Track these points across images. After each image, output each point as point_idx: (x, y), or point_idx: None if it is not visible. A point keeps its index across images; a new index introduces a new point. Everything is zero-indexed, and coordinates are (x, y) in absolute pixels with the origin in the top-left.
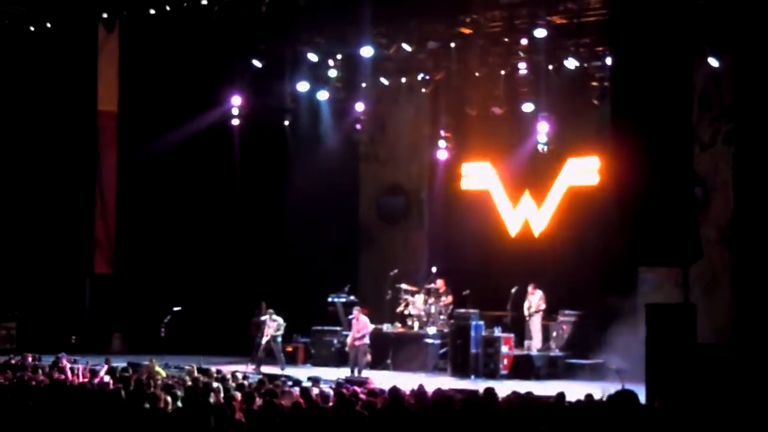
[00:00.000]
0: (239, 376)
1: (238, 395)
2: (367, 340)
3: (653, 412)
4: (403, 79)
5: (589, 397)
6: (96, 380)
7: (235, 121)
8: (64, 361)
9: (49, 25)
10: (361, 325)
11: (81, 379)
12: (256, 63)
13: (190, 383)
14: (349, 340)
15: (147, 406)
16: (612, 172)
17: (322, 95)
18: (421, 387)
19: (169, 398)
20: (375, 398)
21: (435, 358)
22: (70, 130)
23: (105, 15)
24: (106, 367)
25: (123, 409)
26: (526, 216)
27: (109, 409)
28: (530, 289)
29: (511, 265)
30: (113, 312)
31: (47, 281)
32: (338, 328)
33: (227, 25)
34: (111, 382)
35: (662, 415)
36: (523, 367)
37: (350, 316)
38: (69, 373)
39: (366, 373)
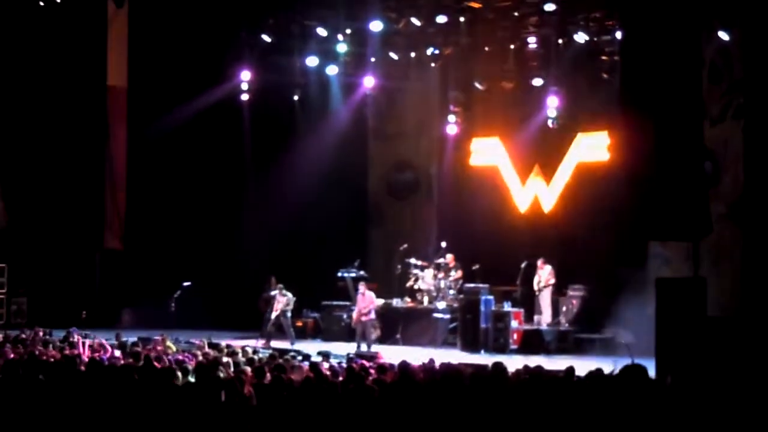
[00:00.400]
0: (249, 350)
1: (248, 370)
2: (373, 315)
3: (663, 387)
4: (413, 54)
5: (598, 371)
6: (106, 355)
7: (244, 97)
8: (76, 336)
9: (58, 0)
10: (367, 301)
11: (87, 354)
12: (265, 38)
13: (200, 358)
14: (354, 315)
15: (157, 381)
16: (622, 147)
17: (332, 70)
18: (431, 361)
19: (179, 373)
20: (385, 373)
21: (444, 333)
22: (80, 106)
23: None
24: (116, 342)
25: (133, 384)
26: (536, 191)
27: (120, 384)
28: (539, 263)
29: (521, 240)
30: (123, 287)
31: (58, 257)
32: (348, 303)
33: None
34: (121, 357)
35: (672, 389)
36: (533, 342)
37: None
38: (81, 348)
39: (375, 348)
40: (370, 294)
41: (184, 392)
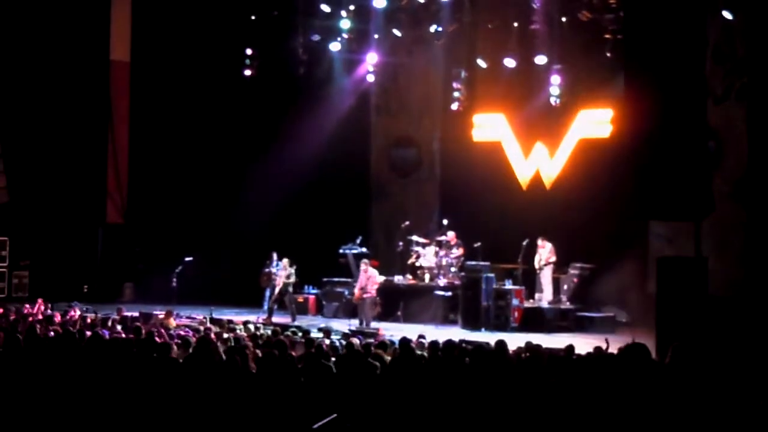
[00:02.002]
0: (251, 326)
1: (250, 345)
2: (374, 293)
3: (664, 366)
4: (416, 31)
5: (598, 349)
6: (107, 330)
7: (248, 72)
8: (73, 311)
9: None
10: (368, 278)
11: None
12: (270, 14)
13: (201, 333)
14: (356, 292)
15: (158, 355)
16: (624, 125)
17: (335, 47)
18: (420, 338)
19: (180, 348)
20: (385, 349)
21: (446, 311)
22: (83, 80)
23: None
24: (117, 317)
25: (134, 359)
26: (538, 168)
27: (121, 359)
28: (540, 242)
29: (523, 218)
30: (125, 261)
31: (60, 230)
32: (349, 280)
33: None
34: (122, 331)
35: (673, 368)
36: (534, 320)
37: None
38: (80, 322)
39: (375, 325)
40: (373, 271)
41: (185, 368)
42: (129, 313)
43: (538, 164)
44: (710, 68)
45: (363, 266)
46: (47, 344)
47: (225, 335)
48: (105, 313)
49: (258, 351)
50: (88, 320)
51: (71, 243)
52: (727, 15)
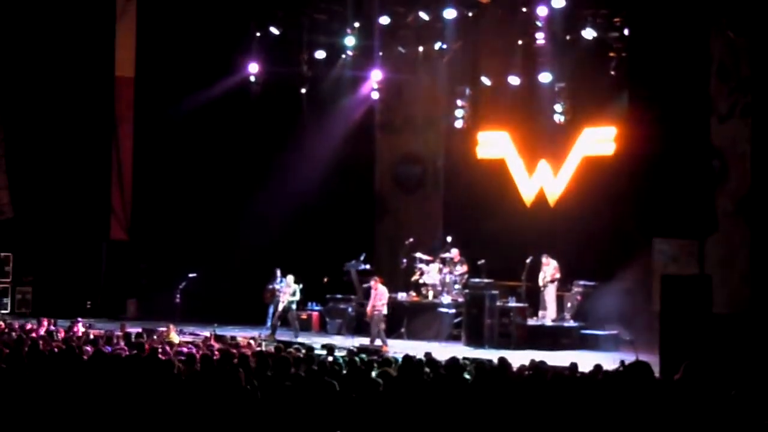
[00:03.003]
0: (254, 343)
1: (253, 362)
2: (385, 310)
3: (667, 384)
4: (421, 48)
5: (599, 367)
6: (110, 346)
7: (252, 89)
8: (78, 327)
9: None
10: (379, 295)
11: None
12: (274, 30)
13: (205, 350)
14: (368, 309)
15: (161, 372)
16: (628, 143)
17: (340, 63)
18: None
19: (184, 365)
20: (389, 366)
21: (449, 328)
22: (88, 96)
23: None
24: (120, 333)
25: (137, 375)
26: (542, 186)
27: (124, 375)
28: (544, 259)
29: (527, 235)
30: (129, 278)
31: (64, 247)
32: (353, 297)
33: None
34: (125, 348)
35: (676, 386)
36: (538, 338)
37: (365, 285)
38: (84, 338)
39: (379, 342)
40: (383, 288)
41: (188, 384)
42: (132, 330)
43: (542, 182)
44: (714, 86)
45: (373, 283)
46: (50, 360)
47: (228, 352)
48: (108, 330)
49: (260, 368)
50: (92, 336)
51: (75, 259)
52: (730, 33)
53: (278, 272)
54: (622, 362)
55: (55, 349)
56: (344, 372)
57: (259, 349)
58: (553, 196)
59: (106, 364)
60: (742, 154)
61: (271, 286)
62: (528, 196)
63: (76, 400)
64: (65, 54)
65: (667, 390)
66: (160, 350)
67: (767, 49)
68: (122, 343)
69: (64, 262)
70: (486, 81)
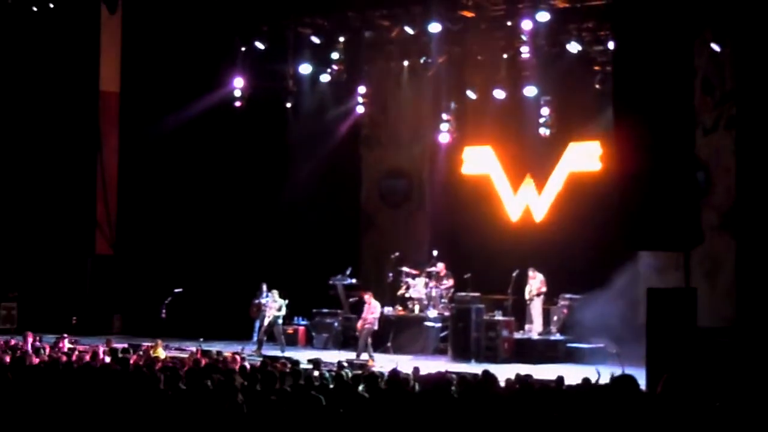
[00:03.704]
0: (239, 358)
1: (239, 377)
2: (376, 326)
3: (654, 397)
4: (405, 62)
5: (586, 380)
6: (97, 361)
7: (237, 103)
8: (64, 342)
9: (51, 5)
10: (372, 310)
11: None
12: (259, 45)
13: (190, 365)
14: (359, 323)
15: (147, 387)
16: (614, 157)
17: (324, 78)
18: (416, 370)
19: (168, 380)
20: (375, 381)
21: (435, 342)
22: (72, 111)
23: None
24: (106, 348)
25: (122, 391)
26: (527, 201)
27: (109, 391)
28: (530, 272)
29: (512, 250)
30: (114, 293)
31: (48, 262)
32: (339, 311)
33: (230, 6)
34: (111, 363)
35: (662, 400)
36: (524, 351)
37: (352, 299)
38: (71, 354)
39: (366, 356)
40: (376, 303)
41: (174, 400)
42: (118, 345)
43: (528, 197)
44: (699, 99)
45: (366, 297)
46: (35, 376)
47: (214, 367)
48: (94, 345)
49: (247, 383)
50: (77, 352)
51: (60, 274)
52: (715, 46)
53: (264, 287)
54: (598, 372)
55: (40, 364)
56: (331, 386)
57: (243, 363)
58: (538, 212)
59: (91, 380)
60: (726, 166)
61: (257, 301)
62: (514, 211)
63: (60, 415)
64: (50, 69)
65: (652, 403)
66: (144, 365)
67: (751, 61)
68: (108, 359)
69: (49, 278)
70: (471, 95)
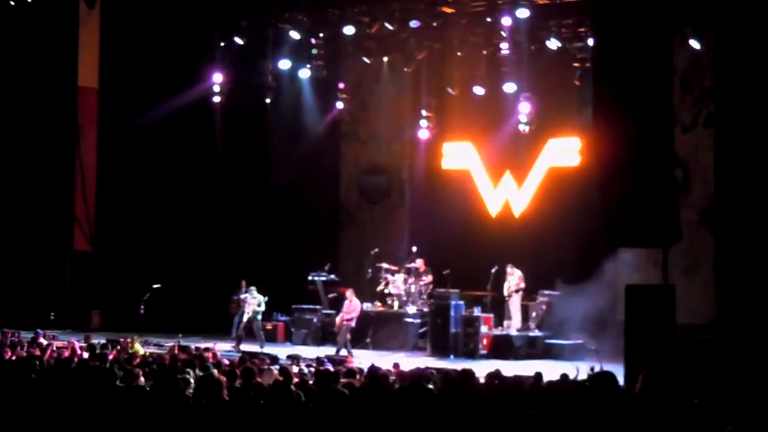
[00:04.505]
0: (218, 353)
1: (217, 373)
2: (353, 323)
3: (632, 393)
4: (385, 58)
5: (564, 376)
6: (74, 357)
7: (217, 99)
8: (41, 339)
9: (29, 0)
10: (353, 307)
11: (53, 355)
12: (238, 40)
13: (169, 361)
14: (338, 319)
15: (124, 383)
16: (593, 153)
17: (304, 73)
18: (396, 366)
19: (146, 376)
20: (354, 377)
21: (414, 338)
22: (51, 106)
23: None
24: (84, 344)
25: (100, 386)
26: (507, 196)
27: (87, 386)
28: (509, 269)
29: (492, 246)
30: (93, 289)
31: (27, 257)
32: (318, 307)
33: (209, 1)
34: (89, 358)
35: (641, 395)
36: (503, 347)
37: (331, 295)
38: (48, 350)
39: (345, 352)
40: (357, 301)
41: (152, 395)
42: (97, 341)
43: (507, 192)
44: (678, 97)
45: (348, 294)
46: (11, 370)
47: (193, 363)
48: (72, 341)
49: (225, 378)
50: (55, 347)
51: (38, 270)
52: (694, 44)
53: (244, 283)
54: (577, 368)
55: (16, 359)
56: (310, 382)
57: (224, 359)
58: (518, 208)
59: (68, 376)
60: (705, 163)
61: (236, 297)
62: (493, 207)
63: (36, 412)
64: (28, 64)
65: (630, 399)
66: (123, 361)
67: (730, 59)
68: (86, 355)
69: (28, 274)
70: (451, 91)
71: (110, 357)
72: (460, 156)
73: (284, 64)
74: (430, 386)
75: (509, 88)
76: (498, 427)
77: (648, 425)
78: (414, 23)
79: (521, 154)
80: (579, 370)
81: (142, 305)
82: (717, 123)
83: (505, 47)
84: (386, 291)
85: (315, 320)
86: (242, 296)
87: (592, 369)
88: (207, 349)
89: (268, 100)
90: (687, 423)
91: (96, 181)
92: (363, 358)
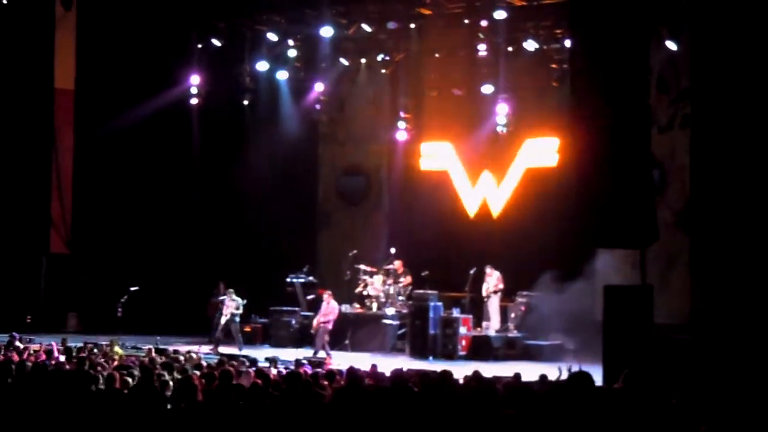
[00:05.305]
0: (196, 356)
1: (196, 375)
2: (330, 326)
3: (609, 393)
4: (363, 60)
5: (543, 377)
6: (51, 360)
7: (194, 101)
8: (17, 342)
9: (5, 1)
10: (330, 310)
11: (31, 359)
12: (216, 42)
13: (146, 363)
14: (315, 322)
15: (102, 386)
16: (570, 154)
17: (282, 75)
18: (374, 367)
19: (126, 378)
20: (333, 379)
21: (393, 339)
22: (27, 108)
23: None
24: (61, 347)
25: (78, 390)
26: (485, 197)
27: (64, 390)
28: (487, 270)
29: (470, 247)
30: (69, 291)
31: (2, 260)
32: (296, 309)
33: (186, 3)
34: (66, 362)
35: (618, 395)
36: (481, 348)
37: (309, 297)
38: (24, 353)
39: (323, 354)
40: (335, 304)
41: (130, 398)
42: (73, 344)
43: (485, 193)
44: (654, 98)
45: (325, 297)
46: None
47: (171, 365)
48: (49, 344)
49: (204, 381)
50: (31, 351)
51: (14, 273)
52: (670, 45)
53: (222, 285)
54: (559, 368)
55: None
56: (288, 384)
57: (199, 362)
58: (496, 208)
59: (45, 379)
60: (681, 164)
61: (215, 300)
62: (471, 207)
63: (13, 416)
64: (3, 65)
65: (609, 399)
66: (100, 364)
67: (706, 60)
68: (62, 358)
69: (3, 276)
70: (429, 92)
71: (88, 360)
72: (438, 156)
73: (262, 66)
74: (409, 387)
75: (487, 89)
76: (476, 427)
77: (624, 424)
78: (391, 24)
79: (499, 154)
80: (561, 371)
81: (120, 308)
82: (693, 124)
83: (482, 48)
84: (365, 292)
85: (293, 322)
86: (221, 298)
87: (569, 369)
88: (189, 353)
89: (245, 102)
90: (663, 422)
91: (72, 184)
92: (342, 360)
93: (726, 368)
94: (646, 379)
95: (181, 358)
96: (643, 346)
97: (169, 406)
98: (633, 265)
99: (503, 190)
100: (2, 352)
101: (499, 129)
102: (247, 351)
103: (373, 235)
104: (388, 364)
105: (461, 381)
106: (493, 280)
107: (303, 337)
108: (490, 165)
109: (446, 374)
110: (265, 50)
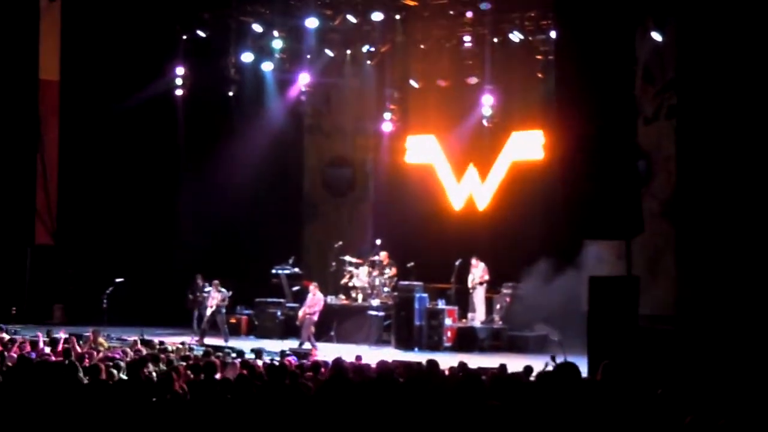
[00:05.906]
0: (182, 347)
1: (182, 367)
2: (315, 317)
3: (595, 385)
4: (348, 51)
5: (528, 368)
6: (36, 352)
7: (179, 92)
8: (3, 333)
9: None
10: (315, 301)
11: (16, 350)
12: (200, 33)
13: (132, 355)
14: (300, 313)
15: (87, 378)
16: (556, 146)
17: (267, 66)
18: (358, 359)
19: (111, 370)
20: (318, 370)
21: (379, 330)
22: (11, 99)
23: None
24: (47, 339)
25: (63, 381)
26: (471, 189)
27: (49, 381)
28: (473, 261)
29: (455, 239)
30: (54, 283)
31: None
32: (282, 300)
33: None
34: (51, 353)
35: (603, 387)
36: (467, 340)
37: (295, 288)
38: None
39: (309, 345)
40: (320, 296)
41: (115, 390)
42: (59, 335)
43: (471, 185)
44: (640, 88)
45: (311, 288)
46: None
47: (156, 357)
48: (34, 335)
49: (189, 372)
50: (16, 342)
51: None
52: (656, 36)
53: (199, 278)
54: (553, 358)
55: None
56: (273, 376)
57: (187, 354)
58: (481, 200)
59: (30, 371)
60: (667, 155)
61: (193, 295)
62: (457, 200)
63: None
64: None
65: (593, 390)
66: (86, 356)
67: (691, 51)
68: (48, 350)
69: None
70: (414, 84)
71: (74, 352)
72: (423, 149)
73: (247, 57)
74: (395, 378)
75: (472, 80)
76: (462, 418)
77: (609, 415)
78: (377, 15)
79: (485, 147)
80: (548, 363)
81: (105, 299)
82: (679, 115)
83: (468, 40)
84: (350, 284)
85: (279, 314)
86: (206, 290)
87: (554, 359)
88: (184, 343)
89: (230, 93)
90: (648, 413)
91: (57, 175)
92: (327, 351)
93: (712, 358)
94: (629, 371)
95: (169, 348)
96: (627, 338)
97: (154, 398)
98: (619, 256)
99: (489, 183)
100: None
101: (484, 121)
102: (232, 342)
103: (359, 227)
104: (373, 355)
105: (447, 372)
106: (478, 271)
107: (288, 328)
108: (476, 158)
109: (432, 364)
110: (250, 41)
